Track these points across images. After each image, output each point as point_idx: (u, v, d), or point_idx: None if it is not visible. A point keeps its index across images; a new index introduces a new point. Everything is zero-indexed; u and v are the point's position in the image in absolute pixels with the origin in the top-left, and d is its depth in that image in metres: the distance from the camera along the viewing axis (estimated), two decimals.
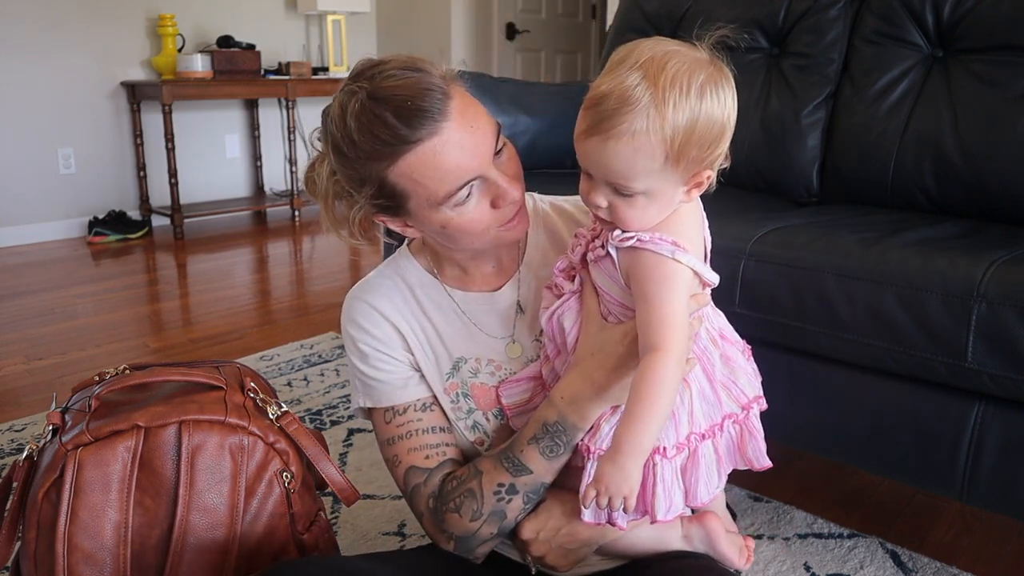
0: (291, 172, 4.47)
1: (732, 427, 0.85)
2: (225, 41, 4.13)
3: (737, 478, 1.52)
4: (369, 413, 1.00)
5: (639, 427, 0.73)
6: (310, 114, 4.70)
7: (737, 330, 0.91)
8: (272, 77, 4.27)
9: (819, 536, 1.42)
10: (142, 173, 4.08)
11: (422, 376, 0.97)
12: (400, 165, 0.80)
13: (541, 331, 0.92)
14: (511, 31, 4.83)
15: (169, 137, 3.83)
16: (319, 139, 0.88)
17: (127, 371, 0.98)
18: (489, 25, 4.79)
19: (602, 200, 0.77)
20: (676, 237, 0.77)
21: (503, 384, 0.94)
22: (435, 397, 0.96)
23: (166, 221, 4.10)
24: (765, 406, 0.88)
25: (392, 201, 0.85)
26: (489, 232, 0.86)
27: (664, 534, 0.93)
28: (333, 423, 1.86)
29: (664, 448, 0.80)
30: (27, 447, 0.91)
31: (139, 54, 4.08)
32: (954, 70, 1.59)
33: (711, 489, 0.83)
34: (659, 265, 0.76)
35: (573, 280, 0.87)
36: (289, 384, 2.10)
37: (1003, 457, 1.09)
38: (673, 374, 0.74)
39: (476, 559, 0.93)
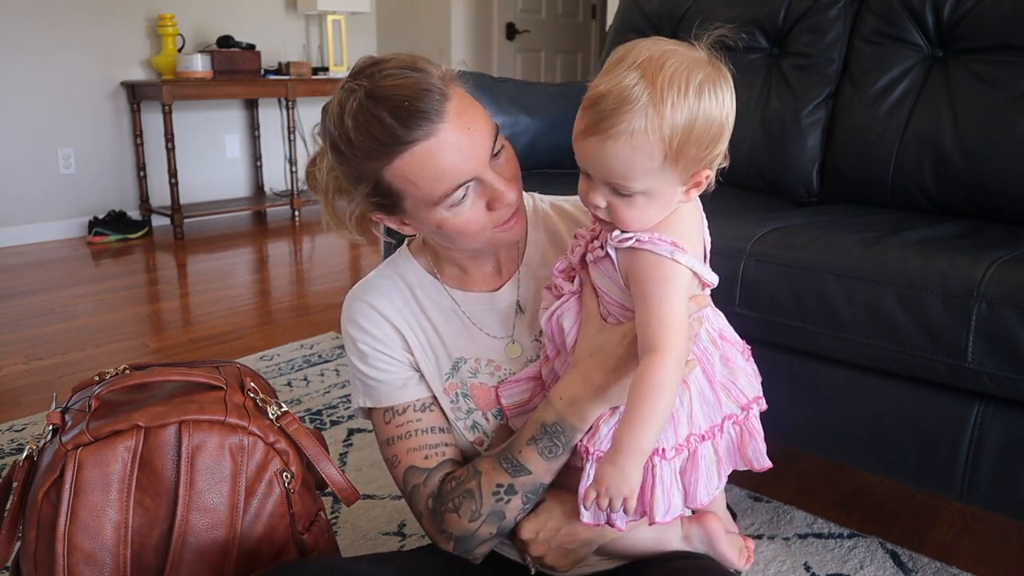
0: (291, 172, 4.46)
1: (732, 428, 0.85)
2: (225, 41, 4.13)
3: (737, 478, 1.52)
4: (369, 413, 1.00)
5: (639, 428, 0.73)
6: (310, 114, 4.70)
7: (737, 330, 0.91)
8: (272, 77, 4.27)
9: (819, 536, 1.42)
10: (142, 173, 4.08)
11: (422, 376, 0.97)
12: (396, 165, 0.80)
13: (540, 331, 0.92)
14: (511, 31, 4.83)
15: (169, 137, 3.83)
16: (319, 135, 0.88)
17: (127, 371, 0.98)
18: (489, 25, 4.79)
19: (601, 200, 0.77)
20: (675, 237, 0.77)
21: (502, 384, 0.94)
22: (434, 397, 0.96)
23: (166, 221, 4.10)
24: (765, 407, 0.88)
25: (388, 200, 0.85)
26: (485, 233, 0.86)
27: (664, 534, 0.93)
28: (333, 423, 1.86)
29: (663, 450, 0.80)
30: (27, 447, 0.91)
31: (139, 54, 4.08)
32: (954, 70, 1.59)
33: (711, 490, 0.83)
34: (658, 265, 0.76)
35: (573, 281, 0.87)
36: (289, 384, 2.10)
37: (1003, 457, 1.09)
38: (673, 375, 0.74)
39: (475, 559, 0.93)
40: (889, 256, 1.14)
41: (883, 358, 1.13)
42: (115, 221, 3.92)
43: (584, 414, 0.84)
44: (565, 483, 0.90)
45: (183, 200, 4.06)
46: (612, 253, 0.80)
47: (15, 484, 0.88)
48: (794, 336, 1.22)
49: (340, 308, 1.01)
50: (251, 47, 4.19)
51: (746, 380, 0.86)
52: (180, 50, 4.07)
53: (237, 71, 4.07)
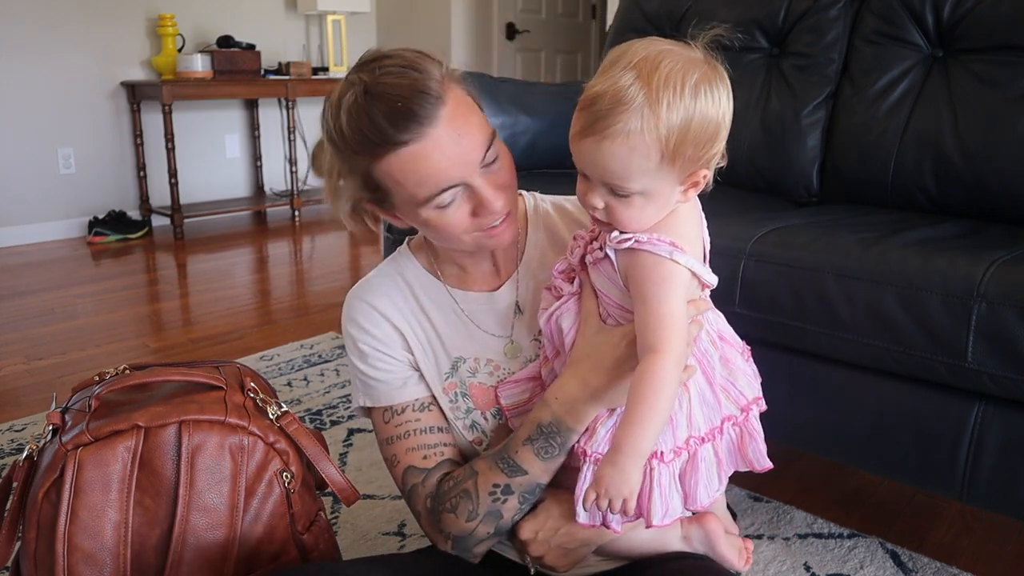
0: (291, 172, 4.46)
1: (732, 429, 0.85)
2: (225, 41, 4.13)
3: (737, 478, 1.52)
4: (369, 413, 1.00)
5: (638, 429, 0.73)
6: (310, 114, 4.70)
7: (737, 330, 0.91)
8: (272, 77, 4.27)
9: (819, 536, 1.42)
10: (142, 173, 4.08)
11: (421, 376, 0.97)
12: (383, 164, 0.81)
13: (539, 331, 0.92)
14: (511, 31, 4.83)
15: (169, 137, 3.83)
16: (321, 122, 0.89)
17: (127, 371, 0.98)
18: (489, 25, 4.79)
19: (599, 201, 0.77)
20: (674, 237, 0.77)
21: (502, 384, 0.94)
22: (434, 397, 0.96)
23: (166, 221, 4.10)
24: (764, 407, 0.88)
25: (377, 194, 0.86)
26: (469, 236, 0.87)
27: (664, 535, 0.92)
28: (333, 423, 1.86)
29: (661, 452, 0.80)
30: (27, 447, 0.90)
31: (139, 54, 4.08)
32: (954, 70, 1.59)
33: (711, 492, 0.83)
34: (657, 266, 0.76)
35: (572, 282, 0.87)
36: (289, 384, 2.10)
37: (1003, 457, 1.09)
38: (672, 375, 0.74)
39: (474, 558, 0.93)
40: (889, 256, 1.14)
41: (883, 358, 1.13)
42: (115, 221, 3.92)
43: (580, 415, 0.84)
44: (565, 483, 0.90)
45: (183, 200, 4.06)
46: (611, 254, 0.80)
47: (15, 484, 0.88)
48: (794, 336, 1.22)
49: (340, 308, 1.01)
50: (251, 47, 4.19)
51: (746, 381, 0.86)
52: (180, 50, 4.07)
53: (237, 71, 4.07)
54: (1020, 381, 1.02)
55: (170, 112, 3.82)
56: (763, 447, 0.85)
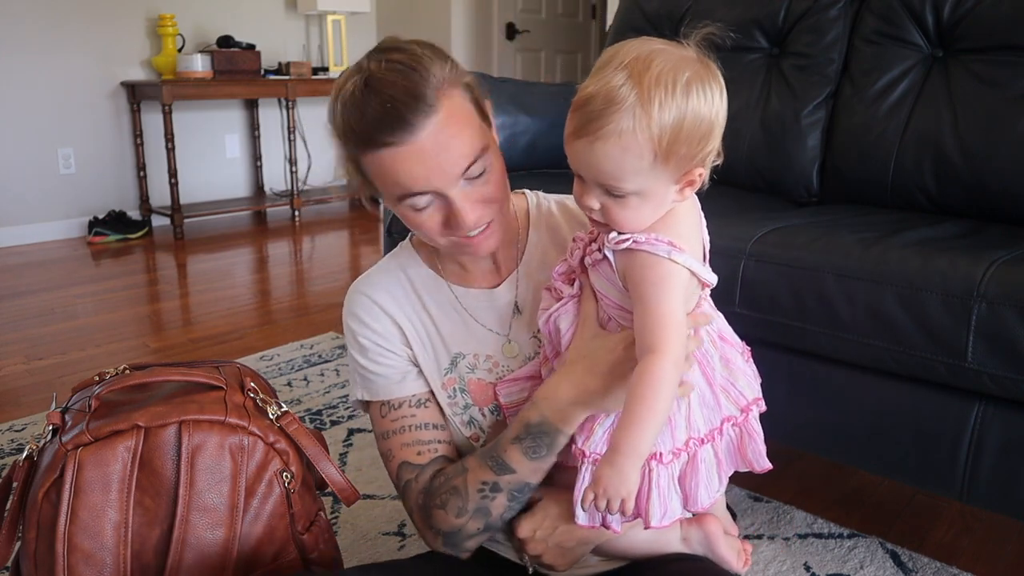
0: (291, 172, 4.46)
1: (731, 430, 0.84)
2: (225, 41, 4.13)
3: (737, 478, 1.52)
4: (367, 406, 1.01)
5: (636, 429, 0.73)
6: (310, 114, 4.70)
7: (737, 330, 0.91)
8: (272, 77, 4.27)
9: (819, 536, 1.42)
10: (142, 173, 4.08)
11: (420, 371, 0.97)
12: (367, 157, 0.82)
13: (539, 331, 0.92)
14: (511, 31, 4.83)
15: (169, 137, 3.83)
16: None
17: (127, 371, 0.98)
18: (489, 25, 4.79)
19: (594, 202, 0.77)
20: (672, 237, 0.76)
21: (501, 383, 0.94)
22: (431, 393, 0.97)
23: (166, 221, 4.10)
24: (764, 408, 0.88)
25: (366, 179, 0.87)
26: (446, 239, 0.87)
27: (662, 536, 0.92)
28: (333, 423, 1.86)
29: (660, 454, 0.80)
30: (27, 447, 0.90)
31: (139, 54, 4.08)
32: (954, 70, 1.59)
33: (711, 493, 0.83)
34: (655, 266, 0.76)
35: (572, 284, 0.87)
36: (289, 384, 2.10)
37: (1003, 457, 1.09)
38: (671, 376, 0.74)
39: (464, 554, 0.93)
40: (889, 256, 1.14)
41: (883, 358, 1.13)
42: (115, 221, 3.92)
43: (568, 417, 0.84)
44: (562, 481, 0.90)
45: (183, 200, 4.06)
46: (609, 255, 0.80)
47: (15, 484, 0.88)
48: (794, 336, 1.22)
49: (340, 308, 1.02)
50: (251, 47, 4.19)
51: (746, 382, 0.86)
52: (180, 50, 4.07)
53: (237, 71, 4.07)
54: (1020, 381, 1.02)
55: (170, 112, 3.82)
56: (763, 448, 0.85)
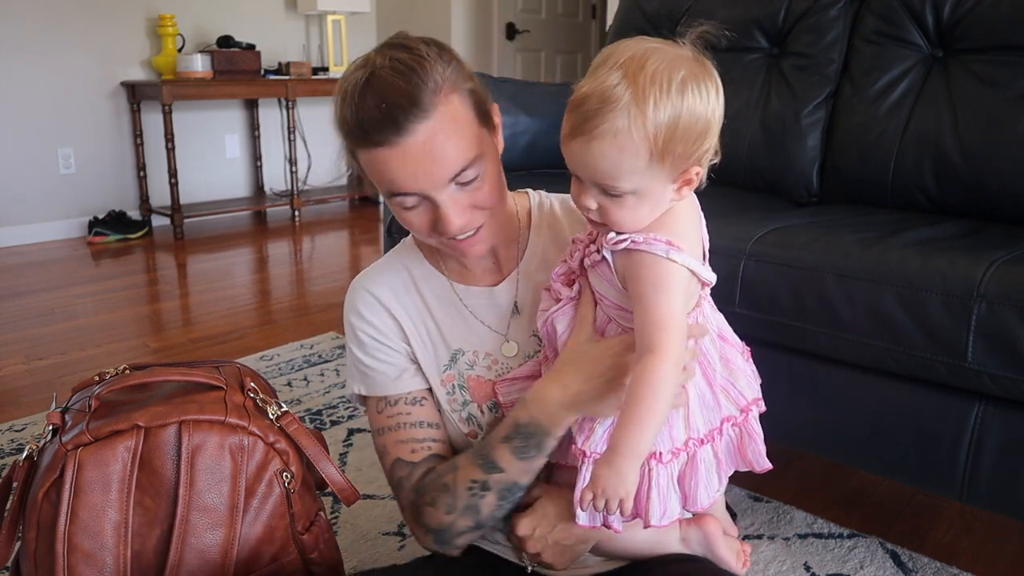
0: (291, 172, 4.46)
1: (731, 430, 0.84)
2: (225, 41, 4.13)
3: (737, 478, 1.52)
4: (364, 401, 1.01)
5: (635, 429, 0.73)
6: (310, 114, 4.70)
7: (737, 330, 0.91)
8: (272, 77, 4.27)
9: (819, 536, 1.42)
10: (142, 173, 4.08)
11: (418, 368, 0.97)
12: (359, 152, 0.83)
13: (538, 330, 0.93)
14: (511, 31, 4.83)
15: (169, 137, 3.83)
16: None
17: (127, 371, 0.98)
18: (489, 25, 4.79)
19: (592, 202, 0.77)
20: (671, 236, 0.76)
21: (501, 381, 0.94)
22: (428, 391, 0.97)
23: (166, 221, 4.10)
24: (764, 408, 0.87)
25: (361, 168, 0.87)
26: (435, 239, 0.88)
27: (662, 536, 0.92)
28: (333, 423, 1.86)
29: (659, 453, 0.80)
30: (27, 447, 0.90)
31: (139, 54, 4.08)
32: (954, 70, 1.59)
33: (711, 493, 0.83)
34: (654, 266, 0.76)
35: (572, 286, 0.87)
36: (289, 384, 2.10)
37: (1003, 457, 1.09)
38: (670, 376, 0.73)
39: (455, 551, 0.93)
40: (889, 256, 1.14)
41: (883, 358, 1.13)
42: (115, 221, 3.92)
43: (557, 419, 0.84)
44: (561, 480, 0.90)
45: (183, 200, 4.07)
46: (608, 256, 0.79)
47: (15, 484, 0.88)
48: (794, 336, 1.22)
49: (340, 308, 1.02)
50: (251, 47, 4.19)
51: (745, 382, 0.86)
52: (180, 50, 4.07)
53: (237, 71, 4.07)
54: (1020, 381, 1.02)
55: (170, 112, 3.82)
56: (763, 448, 0.85)
